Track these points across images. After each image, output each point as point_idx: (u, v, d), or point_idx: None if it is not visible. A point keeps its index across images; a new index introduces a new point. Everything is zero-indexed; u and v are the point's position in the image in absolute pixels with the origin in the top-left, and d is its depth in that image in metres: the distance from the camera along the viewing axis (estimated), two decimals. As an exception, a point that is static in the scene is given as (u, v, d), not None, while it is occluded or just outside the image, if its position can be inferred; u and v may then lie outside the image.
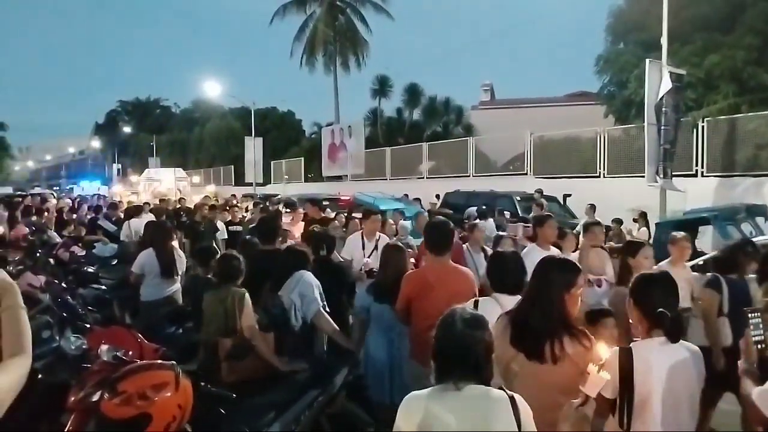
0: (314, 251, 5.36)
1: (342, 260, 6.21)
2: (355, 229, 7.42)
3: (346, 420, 3.96)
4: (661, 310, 2.46)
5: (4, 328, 1.91)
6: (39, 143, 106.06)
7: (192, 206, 13.68)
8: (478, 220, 11.01)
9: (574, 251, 5.63)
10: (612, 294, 4.61)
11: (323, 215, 9.71)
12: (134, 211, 10.79)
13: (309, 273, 4.54)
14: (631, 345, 2.54)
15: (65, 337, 4.12)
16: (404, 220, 9.56)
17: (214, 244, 7.97)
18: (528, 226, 4.84)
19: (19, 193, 34.30)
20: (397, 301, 3.98)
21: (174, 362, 3.11)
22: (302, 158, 33.27)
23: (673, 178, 12.31)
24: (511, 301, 3.10)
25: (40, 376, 3.73)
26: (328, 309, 4.51)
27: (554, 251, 5.11)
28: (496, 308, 2.99)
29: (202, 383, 3.27)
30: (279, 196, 19.49)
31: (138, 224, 9.09)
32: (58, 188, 51.97)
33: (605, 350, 2.47)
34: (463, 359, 2.06)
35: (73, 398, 3.28)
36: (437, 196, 16.91)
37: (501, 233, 7.94)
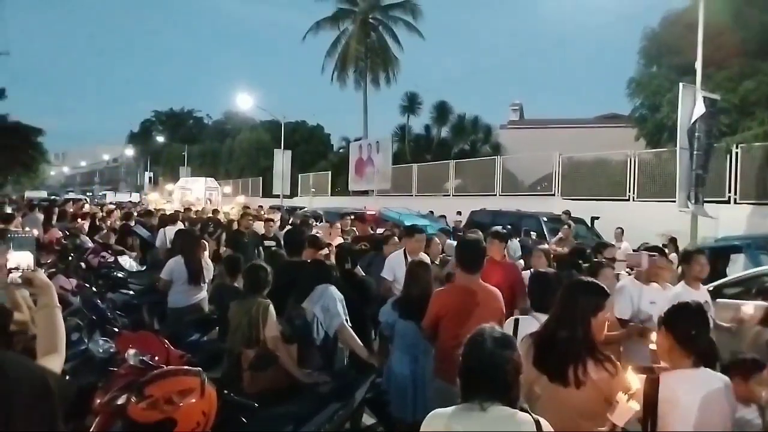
0: (338, 265, 5.40)
1: (377, 279, 6.03)
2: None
3: (366, 435, 3.96)
4: (695, 332, 2.43)
5: (39, 327, 1.97)
6: (75, 149, 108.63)
7: (222, 216, 13.83)
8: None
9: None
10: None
11: (372, 233, 9.35)
12: (169, 219, 11.04)
13: (333, 287, 4.57)
14: (660, 375, 2.50)
15: (94, 340, 4.21)
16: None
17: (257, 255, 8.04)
18: (654, 255, 4.55)
19: (53, 197, 35.28)
20: (423, 318, 3.98)
21: (200, 369, 3.15)
22: (329, 172, 33.50)
23: (705, 204, 12.09)
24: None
25: (67, 377, 3.81)
26: (350, 323, 4.52)
27: (704, 292, 4.87)
28: (535, 325, 2.98)
29: (225, 391, 3.31)
30: (305, 209, 19.63)
31: (173, 232, 9.26)
32: (91, 194, 53.20)
33: (636, 380, 2.42)
34: (491, 379, 2.05)
35: (99, 400, 3.34)
36: (459, 213, 16.87)
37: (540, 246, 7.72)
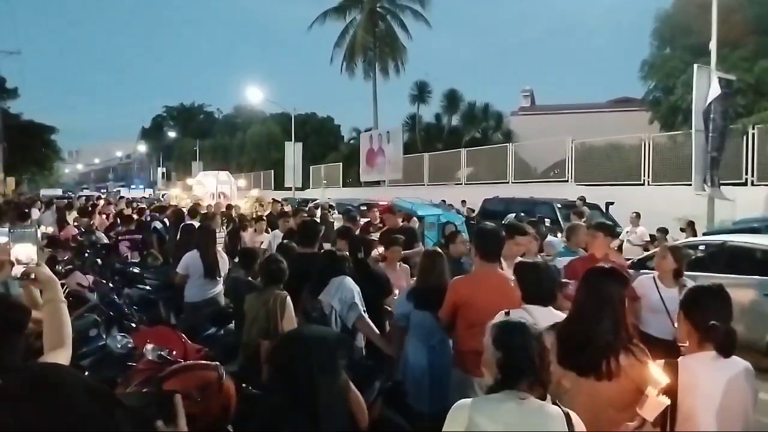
0: (351, 255, 5.37)
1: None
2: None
3: (384, 427, 3.94)
4: (713, 323, 2.38)
5: (45, 322, 1.97)
6: (88, 147, 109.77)
7: (233, 212, 13.83)
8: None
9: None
10: None
11: (403, 224, 8.57)
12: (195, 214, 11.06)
13: (349, 278, 4.55)
14: (679, 359, 2.46)
15: (112, 335, 4.24)
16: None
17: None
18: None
19: (68, 195, 35.63)
20: (439, 308, 3.95)
21: (218, 363, 3.15)
22: (340, 163, 33.52)
23: (721, 187, 11.94)
24: (542, 313, 3.03)
25: (86, 373, 3.84)
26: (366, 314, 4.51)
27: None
28: (528, 319, 2.94)
29: (243, 385, 3.31)
30: (317, 201, 19.65)
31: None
32: (105, 191, 53.66)
33: (665, 377, 2.38)
34: (532, 369, 2.03)
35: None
36: (463, 202, 16.79)
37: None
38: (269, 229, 9.80)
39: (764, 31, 16.47)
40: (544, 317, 2.93)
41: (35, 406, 1.11)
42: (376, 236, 7.74)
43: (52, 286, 1.98)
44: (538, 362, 2.03)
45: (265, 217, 11.08)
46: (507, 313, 3.03)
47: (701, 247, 8.22)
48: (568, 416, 2.00)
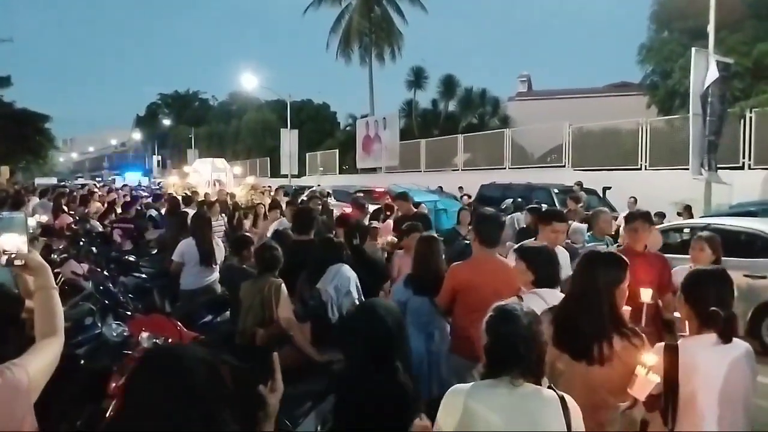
0: (347, 242, 5.34)
1: None
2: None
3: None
4: (714, 309, 2.35)
5: (36, 309, 1.93)
6: (83, 135, 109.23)
7: (228, 199, 13.75)
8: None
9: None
10: None
11: (416, 211, 8.06)
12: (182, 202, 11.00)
13: (346, 266, 4.51)
14: (678, 342, 2.44)
15: (107, 324, 4.21)
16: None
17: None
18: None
19: (62, 183, 35.45)
20: (438, 294, 3.92)
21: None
22: (337, 150, 33.41)
23: (719, 171, 11.93)
24: (552, 295, 3.01)
25: (82, 362, 3.81)
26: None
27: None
28: (541, 304, 2.91)
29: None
30: (313, 188, 19.60)
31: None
32: (100, 179, 53.45)
33: (653, 357, 2.37)
34: (525, 355, 1.99)
35: (114, 384, 3.34)
36: (460, 188, 16.74)
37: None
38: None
39: (762, 15, 16.40)
40: (556, 300, 2.90)
41: (168, 377, 1.43)
42: (375, 223, 7.72)
43: (43, 272, 1.93)
44: (525, 350, 1.99)
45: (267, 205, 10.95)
46: (520, 298, 3.01)
47: (686, 230, 8.27)
48: (563, 399, 1.99)
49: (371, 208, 9.64)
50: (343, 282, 4.36)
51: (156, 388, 1.45)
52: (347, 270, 4.46)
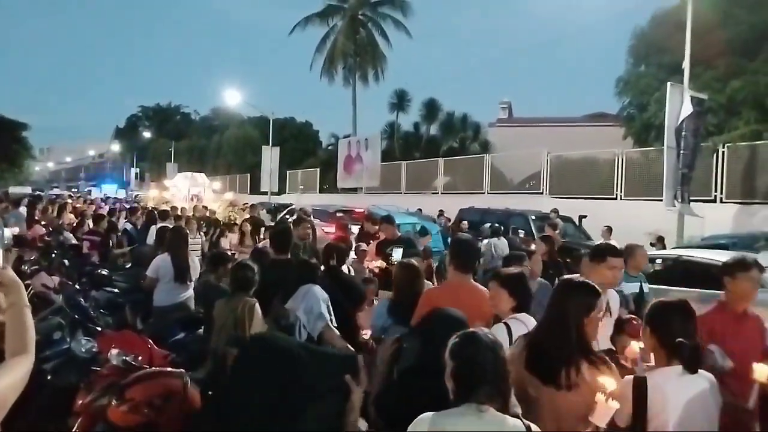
0: (324, 262, 5.33)
1: None
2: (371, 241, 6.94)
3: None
4: (680, 339, 2.40)
5: (8, 327, 1.89)
6: (60, 145, 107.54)
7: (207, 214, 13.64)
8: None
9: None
10: None
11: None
12: (159, 216, 10.87)
13: (317, 287, 4.48)
14: (645, 374, 2.48)
15: (76, 339, 4.13)
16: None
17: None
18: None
19: (37, 193, 34.84)
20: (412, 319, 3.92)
21: (183, 371, 3.09)
22: (318, 169, 33.40)
23: (692, 203, 12.18)
24: (531, 321, 3.05)
25: (49, 377, 3.74)
26: (335, 323, 4.45)
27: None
28: (522, 329, 2.94)
29: (210, 392, 3.25)
30: (293, 206, 19.54)
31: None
32: (76, 190, 52.65)
33: (612, 381, 2.41)
34: (490, 381, 2.02)
35: (80, 402, 3.27)
36: (440, 212, 16.83)
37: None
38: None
39: (736, 53, 16.87)
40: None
41: (273, 361, 1.69)
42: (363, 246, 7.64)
43: (16, 289, 1.90)
44: (491, 372, 2.02)
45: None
46: (507, 324, 3.05)
47: (658, 261, 8.42)
48: (528, 428, 2.01)
49: (354, 228, 9.63)
50: (315, 304, 4.32)
51: (258, 374, 1.72)
52: (318, 291, 4.44)
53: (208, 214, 13.49)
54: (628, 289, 4.77)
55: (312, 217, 12.90)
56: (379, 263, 6.70)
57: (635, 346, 2.97)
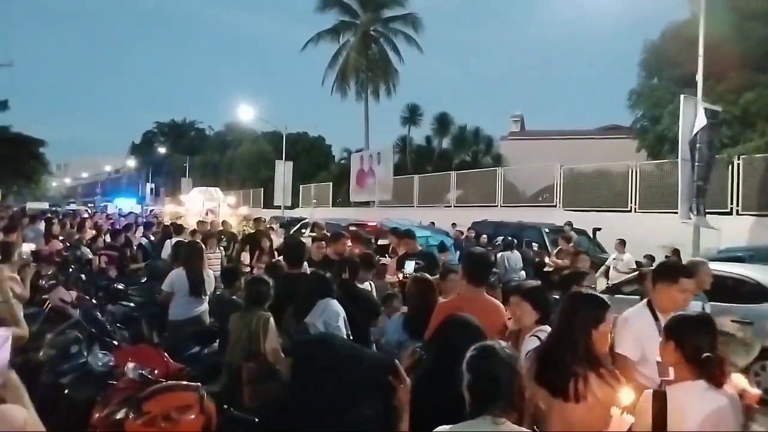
0: (336, 276, 5.35)
1: None
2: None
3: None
4: (708, 354, 2.37)
5: None
6: (76, 160, 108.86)
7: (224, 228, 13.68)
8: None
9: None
10: None
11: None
12: (174, 230, 10.98)
13: (334, 301, 4.51)
14: (666, 388, 2.45)
15: (93, 353, 4.18)
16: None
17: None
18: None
19: (54, 208, 35.31)
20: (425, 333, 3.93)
21: (199, 384, 3.12)
22: (331, 183, 33.54)
23: (707, 216, 12.06)
24: None
25: (66, 391, 3.78)
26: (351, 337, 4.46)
27: None
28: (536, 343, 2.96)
29: (225, 406, 3.27)
30: (306, 220, 19.62)
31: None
32: (92, 205, 53.23)
33: (628, 394, 2.40)
34: (506, 394, 2.03)
35: (97, 415, 3.31)
36: (453, 225, 16.80)
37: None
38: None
39: (749, 65, 16.81)
40: None
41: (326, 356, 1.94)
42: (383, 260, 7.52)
43: None
44: (506, 386, 2.03)
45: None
46: (537, 336, 3.07)
47: None
48: None
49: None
50: (332, 317, 4.35)
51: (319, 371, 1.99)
52: (335, 305, 4.46)
53: (224, 227, 13.52)
54: (692, 308, 4.05)
55: (325, 231, 12.96)
56: (402, 277, 6.68)
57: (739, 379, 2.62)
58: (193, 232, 10.84)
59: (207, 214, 19.34)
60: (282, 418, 3.19)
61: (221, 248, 9.98)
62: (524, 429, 2.03)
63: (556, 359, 2.58)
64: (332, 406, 1.85)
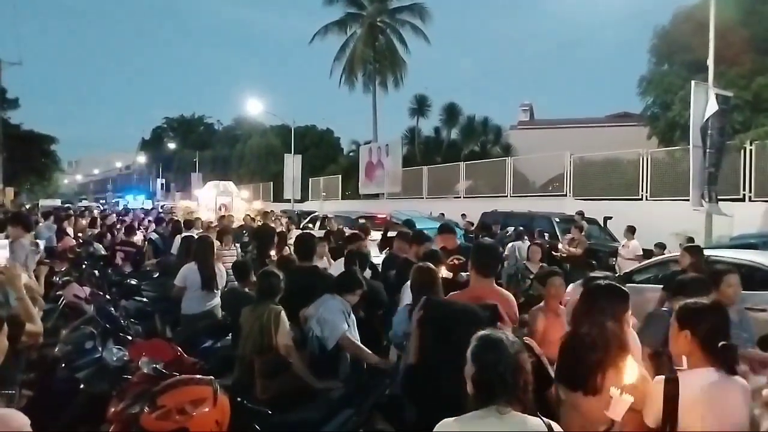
0: (345, 267, 5.36)
1: None
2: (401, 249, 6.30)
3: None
4: (724, 343, 2.36)
5: None
6: (88, 157, 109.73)
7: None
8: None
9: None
10: None
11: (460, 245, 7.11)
12: (185, 225, 11.05)
13: (335, 297, 4.45)
14: (679, 375, 2.44)
15: (107, 348, 4.22)
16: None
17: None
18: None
19: (66, 205, 35.62)
20: None
21: (212, 377, 3.15)
22: (340, 176, 33.55)
23: (719, 202, 11.96)
24: None
25: (81, 386, 3.83)
26: (356, 329, 4.45)
27: None
28: None
29: (238, 398, 3.30)
30: (316, 213, 19.65)
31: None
32: (104, 201, 53.64)
33: (632, 374, 2.39)
34: (510, 384, 2.02)
35: (113, 409, 3.35)
36: (463, 215, 16.76)
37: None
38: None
39: (761, 50, 16.60)
40: None
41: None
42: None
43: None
44: (511, 378, 2.01)
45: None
46: None
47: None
48: (549, 426, 2.01)
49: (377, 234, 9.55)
50: (330, 314, 4.30)
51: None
52: (334, 301, 4.41)
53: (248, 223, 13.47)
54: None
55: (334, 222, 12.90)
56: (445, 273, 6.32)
57: None
58: (207, 227, 10.87)
59: (220, 209, 19.34)
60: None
61: (237, 246, 9.53)
62: (529, 416, 2.03)
63: (575, 352, 2.56)
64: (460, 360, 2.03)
